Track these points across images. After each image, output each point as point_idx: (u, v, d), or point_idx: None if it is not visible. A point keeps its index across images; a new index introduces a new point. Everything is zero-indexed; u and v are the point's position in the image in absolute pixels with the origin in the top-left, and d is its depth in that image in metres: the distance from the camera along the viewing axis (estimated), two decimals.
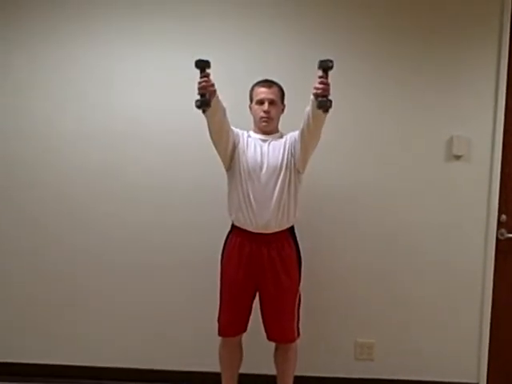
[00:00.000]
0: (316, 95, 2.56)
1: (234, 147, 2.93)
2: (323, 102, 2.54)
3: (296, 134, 2.91)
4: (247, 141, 2.95)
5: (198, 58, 2.60)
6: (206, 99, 2.61)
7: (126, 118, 3.48)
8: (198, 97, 2.61)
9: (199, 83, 2.60)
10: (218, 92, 2.68)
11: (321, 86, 2.54)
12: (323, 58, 2.54)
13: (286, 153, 2.90)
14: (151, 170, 3.49)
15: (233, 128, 2.93)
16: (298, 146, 2.86)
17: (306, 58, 3.38)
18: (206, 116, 2.73)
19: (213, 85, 2.64)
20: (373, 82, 3.42)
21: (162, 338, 3.57)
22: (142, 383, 3.55)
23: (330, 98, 2.55)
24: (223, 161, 2.96)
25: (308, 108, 2.71)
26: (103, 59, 3.48)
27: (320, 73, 2.54)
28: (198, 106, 2.61)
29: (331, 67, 2.52)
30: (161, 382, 3.56)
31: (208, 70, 2.61)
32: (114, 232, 3.54)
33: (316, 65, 2.55)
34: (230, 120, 2.86)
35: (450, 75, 3.39)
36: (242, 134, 2.98)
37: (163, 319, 3.56)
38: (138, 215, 3.52)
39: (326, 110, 2.57)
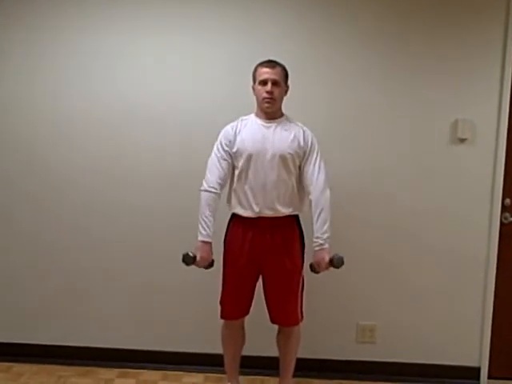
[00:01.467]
0: (313, 268, 2.95)
1: (234, 153, 2.94)
2: (314, 271, 2.97)
3: (311, 146, 2.93)
4: (243, 127, 2.93)
5: (184, 253, 2.87)
6: (191, 262, 2.91)
7: (130, 101, 3.47)
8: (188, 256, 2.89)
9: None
10: (208, 234, 2.91)
11: (321, 270, 2.93)
12: (339, 257, 2.87)
13: (295, 146, 2.88)
14: (154, 154, 3.48)
15: (223, 154, 2.94)
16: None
17: (309, 42, 3.39)
18: None
19: (206, 261, 2.94)
20: (377, 67, 3.39)
21: (164, 320, 3.59)
22: (145, 364, 3.58)
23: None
24: None
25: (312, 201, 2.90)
26: (106, 42, 3.46)
27: (327, 262, 2.88)
28: (185, 263, 2.90)
29: (342, 265, 2.88)
30: (164, 364, 3.58)
31: (195, 263, 2.90)
32: (116, 216, 3.54)
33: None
34: (218, 167, 2.94)
35: (455, 58, 3.36)
36: (233, 127, 2.95)
37: (167, 302, 3.58)
38: (140, 199, 3.52)
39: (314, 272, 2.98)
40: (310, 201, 2.91)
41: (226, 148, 2.92)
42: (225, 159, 2.92)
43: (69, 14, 3.45)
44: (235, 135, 2.91)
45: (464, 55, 3.36)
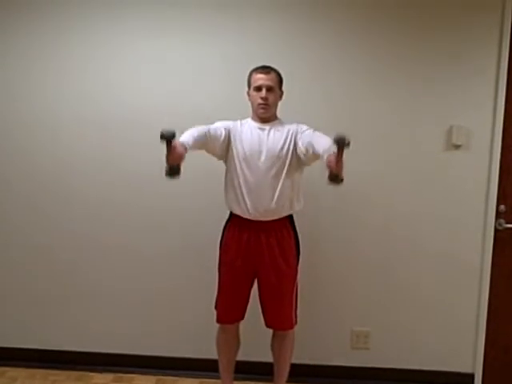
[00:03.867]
0: (329, 168, 2.50)
1: (227, 144, 2.92)
2: (334, 178, 2.50)
3: (305, 131, 2.88)
4: (242, 130, 2.93)
5: (162, 129, 2.48)
6: (175, 169, 2.58)
7: (128, 105, 3.48)
8: (166, 166, 2.56)
9: (166, 156, 2.54)
10: (188, 141, 2.65)
11: (334, 164, 2.46)
12: (340, 133, 2.40)
13: (288, 143, 2.88)
14: (151, 156, 3.46)
15: (222, 127, 2.90)
16: (305, 156, 2.82)
17: (305, 45, 3.39)
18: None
19: (180, 155, 2.56)
20: (372, 72, 3.40)
21: (159, 324, 3.59)
22: (139, 369, 3.58)
23: (342, 175, 2.50)
24: (217, 157, 2.97)
25: (315, 146, 2.68)
26: (103, 45, 3.47)
27: (335, 148, 2.44)
28: (168, 175, 2.59)
29: (348, 145, 2.42)
30: (158, 369, 3.58)
31: (174, 141, 2.53)
32: (113, 220, 3.55)
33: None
34: (215, 129, 2.86)
35: (450, 65, 3.36)
36: (234, 125, 2.96)
37: (161, 306, 3.58)
38: (137, 202, 3.52)
39: (337, 184, 2.53)
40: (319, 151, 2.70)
41: (229, 130, 2.92)
42: (219, 131, 2.88)
43: (66, 17, 3.46)
44: (235, 130, 2.92)
45: (459, 62, 3.36)
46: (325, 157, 2.54)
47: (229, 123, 2.96)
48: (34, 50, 3.49)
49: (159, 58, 3.45)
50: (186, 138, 2.65)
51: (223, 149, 2.92)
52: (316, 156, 2.71)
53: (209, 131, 2.82)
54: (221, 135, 2.88)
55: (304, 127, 2.92)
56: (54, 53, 3.49)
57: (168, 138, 2.49)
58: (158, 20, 3.43)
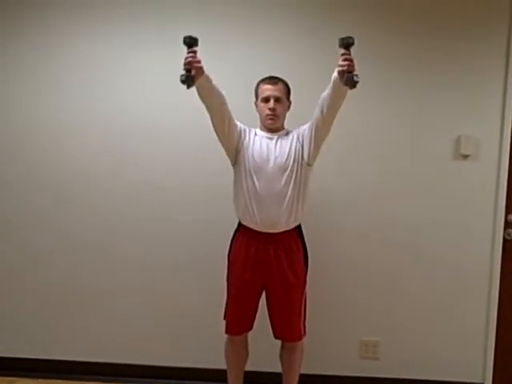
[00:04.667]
0: (342, 72, 2.53)
1: (239, 139, 2.91)
2: (350, 77, 2.50)
3: (304, 126, 2.90)
4: (253, 138, 2.94)
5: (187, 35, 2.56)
6: (191, 75, 2.56)
7: (134, 114, 3.49)
8: (184, 72, 2.56)
9: (185, 58, 2.56)
10: (209, 75, 2.67)
11: (346, 62, 2.52)
12: (344, 35, 2.53)
13: (294, 147, 2.88)
14: (159, 167, 3.49)
15: (238, 123, 2.92)
16: (312, 134, 2.84)
17: (312, 55, 3.41)
18: (200, 96, 2.72)
19: (199, 61, 2.59)
20: (380, 82, 3.41)
21: (167, 335, 3.58)
22: (148, 379, 3.58)
23: (356, 73, 2.52)
24: (228, 152, 2.94)
25: (325, 92, 2.71)
26: (109, 55, 3.49)
27: (342, 50, 2.53)
28: (183, 81, 2.56)
29: (353, 43, 2.51)
30: (166, 379, 3.58)
31: (196, 48, 2.58)
32: (122, 229, 3.56)
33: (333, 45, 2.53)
34: (234, 116, 2.86)
35: (458, 74, 3.37)
36: (249, 130, 2.97)
37: (170, 316, 3.58)
38: (145, 212, 3.53)
39: (354, 86, 2.53)
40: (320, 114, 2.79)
41: (241, 131, 2.93)
42: (235, 121, 2.90)
43: (70, 27, 3.49)
44: (246, 136, 2.93)
45: (467, 71, 3.37)
46: (335, 76, 2.61)
47: (245, 127, 2.97)
48: (40, 62, 3.52)
49: (164, 69, 3.45)
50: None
51: (233, 137, 2.90)
52: (334, 88, 2.68)
53: (229, 109, 2.82)
54: (236, 124, 2.89)
55: (305, 125, 2.92)
56: (60, 65, 3.52)
57: (190, 43, 2.57)
58: (163, 31, 3.45)
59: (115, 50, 3.49)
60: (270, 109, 2.85)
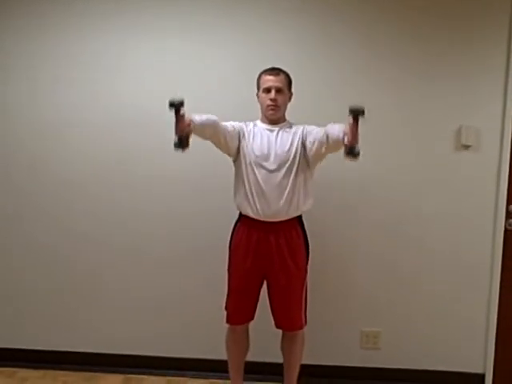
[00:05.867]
0: (345, 144, 2.51)
1: (238, 142, 2.93)
2: (352, 151, 2.46)
3: (313, 130, 2.87)
4: (253, 131, 2.94)
5: (171, 98, 2.51)
6: (183, 141, 2.55)
7: (134, 106, 3.49)
8: (175, 137, 2.54)
9: (175, 126, 2.54)
10: (195, 119, 2.64)
11: (351, 135, 2.48)
12: (354, 104, 2.45)
13: (296, 144, 2.88)
14: (160, 158, 3.49)
15: (233, 125, 2.92)
16: (313, 150, 2.83)
17: (313, 46, 3.40)
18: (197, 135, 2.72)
19: (188, 124, 2.58)
20: (380, 72, 3.40)
21: (169, 325, 3.59)
22: (149, 370, 3.59)
23: (358, 147, 2.47)
24: (229, 155, 2.98)
25: (332, 130, 2.67)
26: (108, 46, 3.49)
27: (350, 119, 2.46)
28: (177, 147, 2.56)
29: (363, 114, 2.43)
30: (167, 369, 3.59)
31: (182, 110, 2.53)
32: (123, 221, 3.56)
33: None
34: (226, 124, 2.87)
35: (459, 65, 3.37)
36: (247, 125, 2.97)
37: (171, 307, 3.59)
38: (142, 204, 3.54)
39: (354, 158, 2.49)
40: (328, 138, 2.73)
41: (239, 130, 2.93)
42: (228, 126, 2.89)
43: (69, 20, 3.48)
44: (245, 132, 2.93)
45: (468, 62, 3.36)
46: (341, 136, 2.55)
47: (240, 124, 2.97)
48: (38, 54, 3.51)
49: (166, 62, 3.46)
50: (194, 116, 2.65)
51: (232, 145, 2.92)
52: (336, 142, 2.64)
53: (218, 122, 2.82)
54: (232, 130, 2.89)
55: (311, 127, 2.91)
56: (58, 58, 3.51)
57: (177, 107, 2.51)
58: (163, 21, 3.45)
59: (114, 44, 3.48)
60: (271, 99, 2.85)
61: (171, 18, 3.44)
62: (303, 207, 2.96)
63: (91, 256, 3.59)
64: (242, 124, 2.97)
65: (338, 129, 2.63)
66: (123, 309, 3.61)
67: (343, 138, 2.52)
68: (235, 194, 2.99)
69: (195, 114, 2.66)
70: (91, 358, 3.64)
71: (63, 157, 3.55)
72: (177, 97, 2.51)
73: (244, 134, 2.93)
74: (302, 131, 2.91)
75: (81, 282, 3.61)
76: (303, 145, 2.88)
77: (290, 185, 2.85)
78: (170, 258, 3.54)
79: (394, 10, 3.37)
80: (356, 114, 2.43)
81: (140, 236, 3.56)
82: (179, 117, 2.53)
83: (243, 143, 2.92)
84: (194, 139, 3.41)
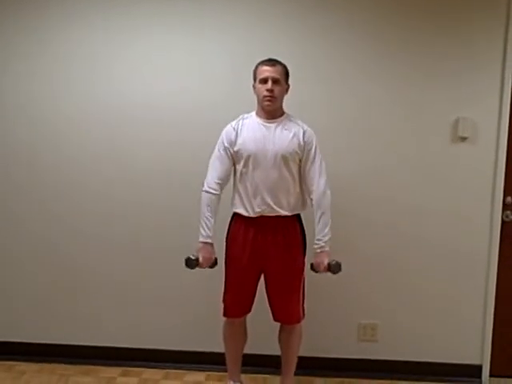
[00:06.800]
0: (313, 268, 2.97)
1: (234, 156, 2.95)
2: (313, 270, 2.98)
3: (310, 143, 2.92)
4: (246, 128, 2.92)
5: (186, 256, 2.90)
6: (195, 265, 2.91)
7: (133, 101, 3.48)
8: (194, 260, 2.90)
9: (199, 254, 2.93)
10: (210, 233, 2.93)
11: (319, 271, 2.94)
12: (336, 262, 2.90)
13: (294, 145, 2.88)
14: (154, 153, 3.49)
15: (224, 156, 2.95)
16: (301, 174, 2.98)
17: (309, 41, 3.40)
18: None
19: (213, 263, 3.00)
20: (378, 66, 3.39)
21: (166, 319, 3.60)
22: (147, 362, 3.60)
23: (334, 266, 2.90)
24: None
25: (316, 208, 2.93)
26: (105, 41, 3.47)
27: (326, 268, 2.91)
28: (188, 266, 2.91)
29: (336, 273, 2.92)
30: (166, 362, 3.60)
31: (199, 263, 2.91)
32: (115, 215, 3.56)
33: None
34: (217, 162, 2.97)
35: (455, 57, 3.36)
36: (235, 128, 2.94)
37: (169, 301, 3.59)
38: (140, 198, 3.53)
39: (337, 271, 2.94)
40: (311, 202, 2.95)
41: (228, 146, 2.92)
42: (225, 159, 2.93)
43: (67, 14, 3.46)
44: (237, 135, 2.91)
45: (465, 54, 3.35)
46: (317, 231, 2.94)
47: (229, 133, 2.95)
48: (36, 48, 3.49)
49: (163, 55, 3.44)
50: (208, 225, 2.93)
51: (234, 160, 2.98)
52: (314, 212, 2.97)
53: (223, 170, 2.96)
54: (229, 162, 2.96)
55: (310, 143, 2.93)
56: (56, 51, 3.49)
57: (192, 267, 2.91)
58: (162, 16, 3.43)
59: (114, 35, 3.46)
60: (267, 90, 2.82)
61: (172, 12, 3.42)
62: (303, 205, 2.99)
63: (89, 249, 3.59)
64: (229, 133, 2.94)
65: (320, 226, 2.93)
66: (121, 302, 3.61)
67: (315, 263, 2.95)
68: (233, 191, 3.00)
69: (203, 228, 2.93)
70: (89, 351, 3.64)
71: (60, 150, 3.54)
72: (190, 257, 2.89)
73: (236, 139, 2.91)
74: (303, 139, 2.91)
75: (79, 275, 3.60)
76: (299, 149, 2.90)
77: (284, 182, 2.88)
78: (167, 251, 3.53)
79: (392, 5, 3.36)
80: (334, 272, 2.91)
81: (137, 229, 3.55)
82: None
83: (236, 146, 2.90)
84: (191, 129, 3.44)
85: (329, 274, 2.91)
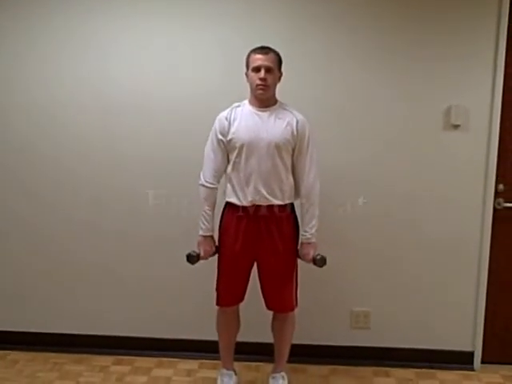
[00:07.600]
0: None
1: (228, 145, 2.92)
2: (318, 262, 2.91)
3: (303, 134, 2.90)
4: (239, 117, 2.89)
5: (187, 252, 2.93)
6: (196, 260, 2.94)
7: (127, 90, 3.45)
8: (194, 254, 2.93)
9: (200, 248, 2.98)
10: (210, 226, 2.98)
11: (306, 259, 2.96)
12: (321, 257, 2.89)
13: (287, 134, 2.85)
14: (151, 140, 3.47)
15: (217, 149, 2.94)
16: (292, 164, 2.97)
17: (303, 30, 3.37)
18: None
19: (214, 252, 3.02)
20: (369, 53, 3.36)
21: (159, 307, 3.61)
22: (140, 351, 3.61)
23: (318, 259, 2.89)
24: None
25: (304, 202, 2.97)
26: (99, 29, 3.43)
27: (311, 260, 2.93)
28: (190, 262, 2.93)
29: (321, 267, 2.91)
30: (159, 350, 3.61)
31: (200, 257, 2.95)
32: (111, 205, 3.55)
33: None
34: (212, 156, 2.97)
35: (447, 44, 3.34)
36: (227, 118, 2.91)
37: (162, 289, 3.60)
38: (136, 188, 3.52)
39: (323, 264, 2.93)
40: (299, 192, 2.96)
41: (221, 137, 2.90)
42: (219, 150, 2.92)
43: (64, 2, 3.42)
44: (229, 124, 2.88)
45: (457, 41, 3.33)
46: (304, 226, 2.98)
47: (221, 122, 2.92)
48: (32, 36, 3.45)
49: (158, 44, 3.41)
50: (207, 218, 2.97)
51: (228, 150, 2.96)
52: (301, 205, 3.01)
53: (218, 162, 2.96)
54: (223, 153, 2.95)
55: (303, 133, 2.90)
56: (50, 38, 3.45)
57: (193, 262, 2.93)
58: (155, 5, 3.39)
59: (107, 22, 3.42)
60: (260, 78, 2.79)
61: (165, 2, 3.39)
62: (296, 194, 2.98)
63: (81, 238, 3.58)
64: (222, 123, 2.91)
65: (307, 218, 2.97)
66: (113, 290, 3.62)
67: (301, 253, 2.99)
68: (226, 180, 2.98)
69: (202, 221, 2.97)
70: (82, 340, 3.65)
71: (55, 138, 3.52)
72: (191, 253, 2.91)
73: (229, 128, 2.88)
74: (296, 129, 2.88)
75: (72, 264, 3.60)
76: (292, 139, 2.88)
77: (277, 171, 2.86)
78: (160, 240, 3.53)
79: None
80: (319, 266, 2.90)
81: (130, 219, 3.55)
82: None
83: (229, 135, 2.88)
84: (185, 117, 3.42)
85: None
